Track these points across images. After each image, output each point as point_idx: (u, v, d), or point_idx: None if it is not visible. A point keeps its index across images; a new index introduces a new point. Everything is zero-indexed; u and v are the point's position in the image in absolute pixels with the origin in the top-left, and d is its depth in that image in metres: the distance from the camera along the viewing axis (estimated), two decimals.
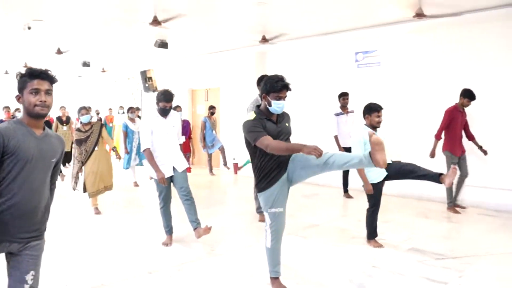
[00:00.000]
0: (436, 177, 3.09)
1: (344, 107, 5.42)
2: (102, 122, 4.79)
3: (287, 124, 2.68)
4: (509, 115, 4.64)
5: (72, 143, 5.71)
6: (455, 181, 4.59)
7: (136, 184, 6.42)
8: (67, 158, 7.52)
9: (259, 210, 4.26)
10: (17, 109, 7.78)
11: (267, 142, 2.48)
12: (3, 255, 1.76)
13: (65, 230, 4.21)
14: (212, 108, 7.58)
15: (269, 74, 2.75)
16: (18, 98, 1.73)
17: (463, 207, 4.81)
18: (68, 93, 12.59)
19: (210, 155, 7.70)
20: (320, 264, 3.27)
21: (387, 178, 3.47)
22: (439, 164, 4.51)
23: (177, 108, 6.26)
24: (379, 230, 3.71)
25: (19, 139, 1.66)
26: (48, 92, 1.72)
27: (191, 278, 3.03)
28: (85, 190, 4.82)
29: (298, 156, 2.63)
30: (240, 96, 7.16)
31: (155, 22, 5.03)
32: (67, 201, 5.35)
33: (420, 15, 4.41)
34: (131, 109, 6.67)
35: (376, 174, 3.52)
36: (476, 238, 3.88)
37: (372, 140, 2.44)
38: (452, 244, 3.69)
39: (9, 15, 5.22)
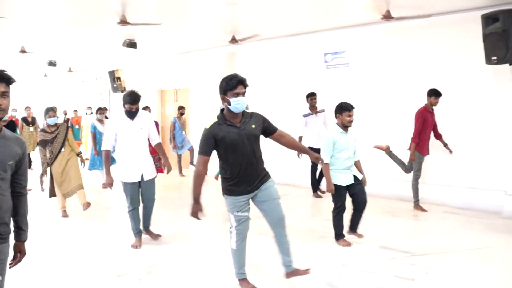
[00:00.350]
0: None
1: (312, 107, 5.46)
2: (69, 124, 4.68)
3: (253, 126, 2.61)
4: (473, 114, 4.77)
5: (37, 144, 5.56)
6: (412, 182, 4.73)
7: (104, 186, 6.30)
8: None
9: None
10: None
11: (197, 167, 2.61)
12: None
13: (31, 234, 4.08)
14: (181, 108, 7.52)
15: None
16: None
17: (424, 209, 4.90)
18: (34, 92, 12.27)
19: (179, 156, 7.64)
20: None
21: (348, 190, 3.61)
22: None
23: (146, 108, 6.18)
24: (347, 229, 3.76)
25: None
26: (4, 95, 1.61)
27: (161, 280, 3.00)
28: (52, 194, 4.72)
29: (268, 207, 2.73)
30: (210, 96, 7.13)
31: (123, 21, 4.95)
32: (33, 204, 5.20)
33: (387, 17, 4.50)
34: (99, 110, 6.55)
35: (344, 178, 3.56)
36: (442, 235, 3.98)
37: None
38: (419, 242, 3.77)
39: None
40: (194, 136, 7.79)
